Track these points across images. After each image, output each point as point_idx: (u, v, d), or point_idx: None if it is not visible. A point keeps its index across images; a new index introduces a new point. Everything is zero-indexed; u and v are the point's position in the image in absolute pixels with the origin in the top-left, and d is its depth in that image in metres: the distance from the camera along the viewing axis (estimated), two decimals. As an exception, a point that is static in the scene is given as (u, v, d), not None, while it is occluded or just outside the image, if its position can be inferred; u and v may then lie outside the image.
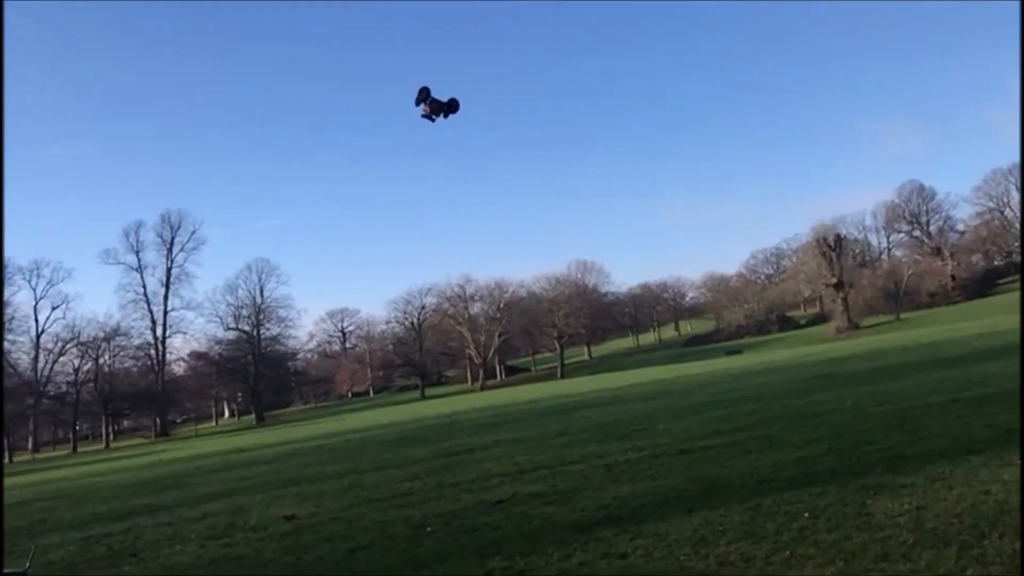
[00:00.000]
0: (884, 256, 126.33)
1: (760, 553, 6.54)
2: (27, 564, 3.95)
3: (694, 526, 7.82)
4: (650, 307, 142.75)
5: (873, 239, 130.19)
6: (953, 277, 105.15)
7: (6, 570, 3.62)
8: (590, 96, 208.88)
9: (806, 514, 7.60)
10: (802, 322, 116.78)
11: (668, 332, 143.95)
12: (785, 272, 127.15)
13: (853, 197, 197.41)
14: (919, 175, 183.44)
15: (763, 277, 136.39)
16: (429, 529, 9.64)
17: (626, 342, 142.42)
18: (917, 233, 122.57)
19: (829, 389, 21.49)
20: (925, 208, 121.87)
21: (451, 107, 10.60)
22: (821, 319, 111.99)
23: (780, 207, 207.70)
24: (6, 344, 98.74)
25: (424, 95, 10.51)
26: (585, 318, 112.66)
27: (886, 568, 5.72)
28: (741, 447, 12.87)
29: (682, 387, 34.62)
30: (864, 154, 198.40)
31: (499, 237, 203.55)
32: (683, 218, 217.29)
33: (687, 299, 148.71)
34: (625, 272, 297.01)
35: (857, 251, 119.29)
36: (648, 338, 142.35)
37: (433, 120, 10.58)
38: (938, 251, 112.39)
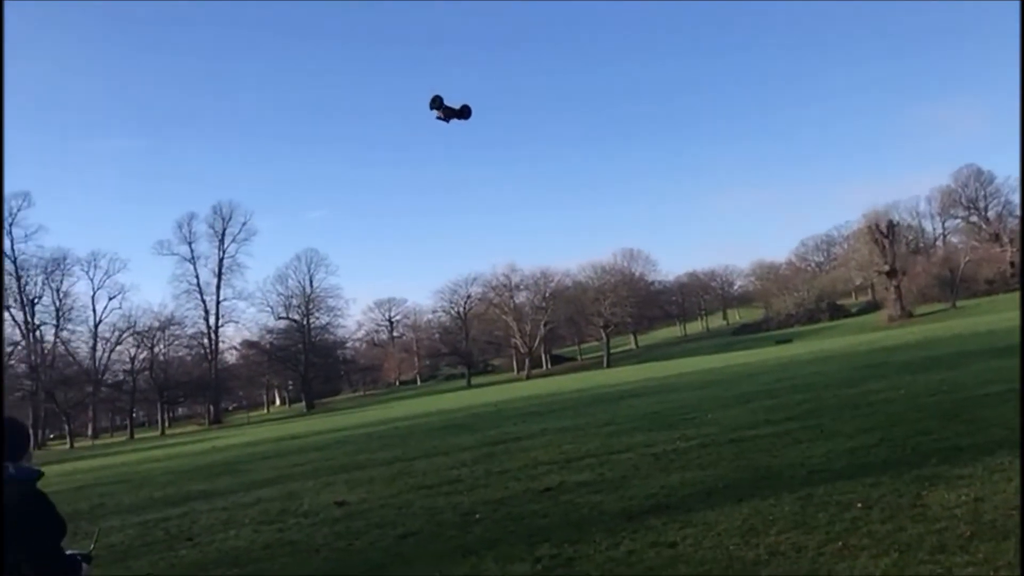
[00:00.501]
0: (939, 243, 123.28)
1: (812, 543, 6.46)
2: (92, 546, 4.06)
3: (744, 515, 7.76)
4: (698, 296, 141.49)
5: (928, 225, 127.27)
6: (1012, 264, 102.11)
7: (71, 551, 3.74)
8: (638, 81, 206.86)
9: (859, 504, 7.49)
10: (853, 310, 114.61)
11: (716, 321, 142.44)
12: (836, 260, 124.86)
13: (907, 183, 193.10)
14: (977, 159, 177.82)
15: (813, 265, 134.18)
16: (477, 516, 9.71)
17: (673, 331, 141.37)
18: (974, 219, 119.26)
19: (882, 378, 21.09)
20: (983, 193, 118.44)
21: (463, 113, 10.64)
22: (873, 307, 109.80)
23: (831, 194, 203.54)
24: (65, 333, 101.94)
25: (437, 103, 10.55)
26: (631, 307, 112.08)
27: (943, 560, 5.61)
28: (791, 436, 12.71)
29: (731, 376, 34.26)
30: (919, 138, 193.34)
31: (544, 226, 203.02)
32: (731, 206, 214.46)
33: (735, 287, 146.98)
34: (672, 260, 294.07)
35: (911, 238, 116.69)
36: (696, 327, 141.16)
37: (448, 122, 10.62)
38: (996, 237, 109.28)
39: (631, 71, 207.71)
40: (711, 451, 12.47)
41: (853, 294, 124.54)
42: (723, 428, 15.18)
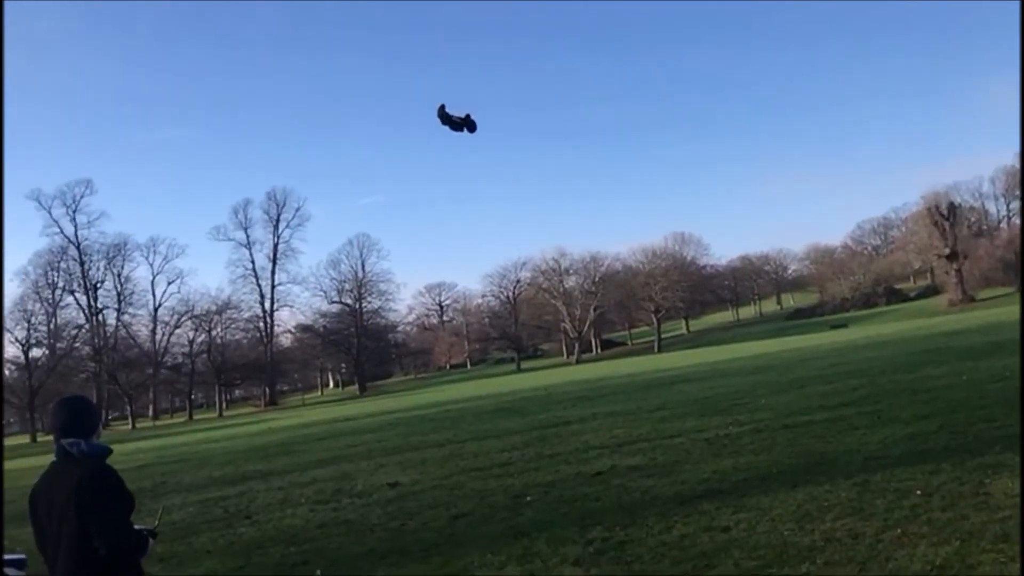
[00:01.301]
0: (1003, 225, 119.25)
1: (869, 530, 6.36)
2: (156, 522, 4.20)
3: (798, 501, 7.67)
4: (751, 280, 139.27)
5: (991, 207, 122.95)
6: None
7: (138, 526, 3.86)
8: (690, 66, 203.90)
9: (918, 492, 7.34)
10: (912, 295, 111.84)
11: (770, 306, 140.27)
12: (894, 243, 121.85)
13: (969, 163, 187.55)
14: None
15: (870, 248, 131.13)
16: (529, 499, 9.77)
17: (725, 316, 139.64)
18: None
19: (942, 364, 20.57)
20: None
21: (467, 125, 10.65)
22: (932, 292, 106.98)
23: (889, 175, 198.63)
24: (127, 317, 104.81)
25: (440, 111, 10.59)
26: (683, 291, 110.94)
27: (1006, 549, 5.47)
28: (847, 422, 12.50)
29: (784, 361, 33.80)
30: (982, 117, 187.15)
31: (594, 210, 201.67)
32: (786, 188, 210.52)
33: (789, 272, 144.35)
34: (725, 244, 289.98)
35: (973, 220, 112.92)
36: (748, 312, 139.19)
37: (458, 130, 10.64)
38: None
39: (683, 56, 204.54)
40: (764, 436, 12.34)
41: (911, 278, 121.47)
42: (776, 413, 15.00)
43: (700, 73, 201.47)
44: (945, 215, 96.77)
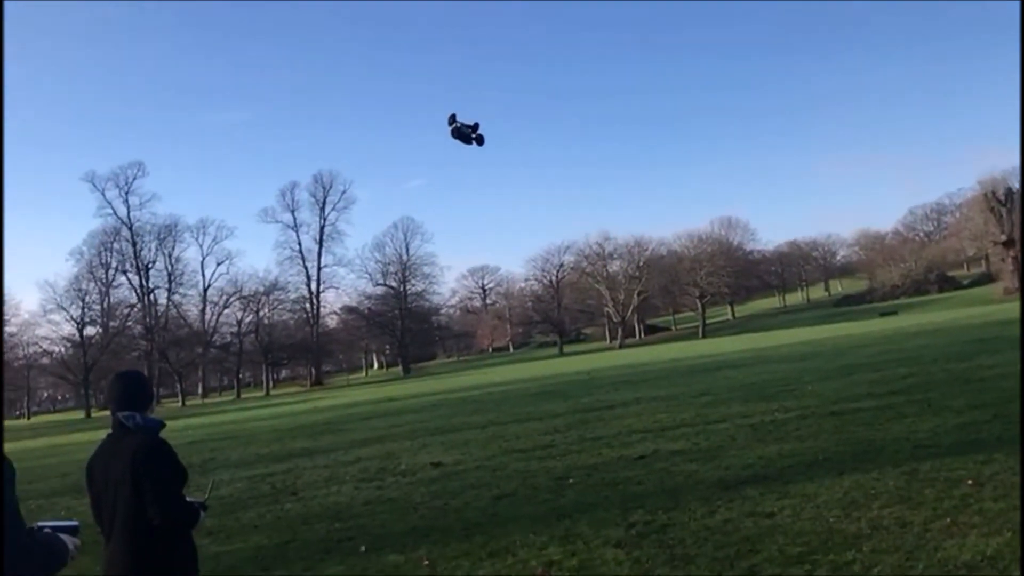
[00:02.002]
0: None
1: (917, 519, 6.26)
2: (206, 495, 4.30)
3: (845, 488, 7.58)
4: (798, 266, 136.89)
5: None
6: None
7: (189, 499, 3.96)
8: (740, 46, 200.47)
9: (969, 482, 7.19)
10: (965, 283, 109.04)
11: (817, 292, 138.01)
12: (947, 229, 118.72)
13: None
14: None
15: (922, 234, 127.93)
16: (571, 481, 9.80)
17: (772, 302, 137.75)
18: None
19: (996, 353, 20.06)
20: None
21: (476, 139, 10.63)
22: (987, 279, 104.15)
23: (943, 160, 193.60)
24: (177, 296, 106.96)
25: (451, 121, 10.58)
26: (729, 277, 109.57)
27: (1060, 541, 5.35)
28: (896, 410, 12.29)
29: (832, 348, 33.28)
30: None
31: (639, 195, 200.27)
32: (835, 173, 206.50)
33: (838, 257, 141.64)
34: (772, 229, 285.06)
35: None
36: (795, 298, 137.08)
37: (469, 143, 10.63)
38: None
39: (733, 41, 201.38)
40: (811, 423, 12.19)
41: (965, 265, 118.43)
42: (823, 400, 14.80)
43: (750, 57, 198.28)
44: (1002, 200, 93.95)
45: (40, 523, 2.69)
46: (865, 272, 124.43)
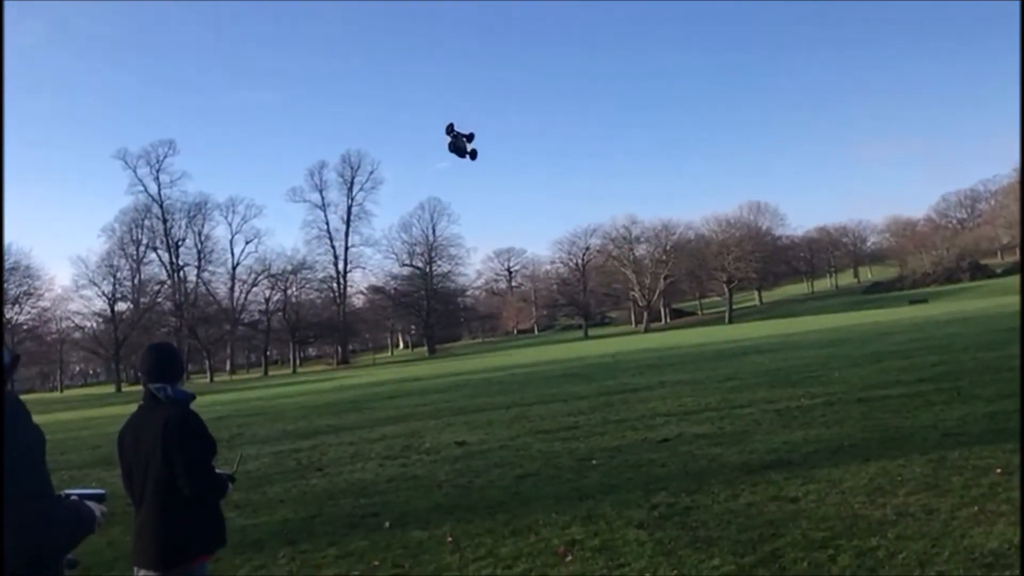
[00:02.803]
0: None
1: (944, 506, 6.21)
2: (234, 468, 4.37)
3: (870, 475, 7.52)
4: (827, 252, 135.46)
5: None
6: None
7: (218, 470, 4.03)
8: (770, 30, 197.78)
9: (998, 470, 7.11)
10: (998, 271, 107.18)
11: (846, 279, 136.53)
12: (981, 216, 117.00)
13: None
14: None
15: (955, 222, 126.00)
16: (594, 462, 9.81)
17: (800, 288, 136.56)
18: None
19: (1029, 343, 19.74)
20: None
21: (471, 153, 10.62)
22: (1021, 268, 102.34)
23: (977, 146, 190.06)
24: (206, 274, 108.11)
25: (448, 131, 10.58)
26: (757, 262, 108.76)
27: (1090, 531, 5.28)
28: (924, 398, 12.16)
29: (860, 335, 32.96)
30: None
31: (666, 178, 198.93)
32: (867, 159, 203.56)
33: (868, 244, 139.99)
34: (801, 215, 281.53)
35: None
36: (824, 284, 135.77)
37: (462, 154, 10.64)
38: None
39: (765, 23, 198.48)
40: (837, 409, 12.10)
41: (999, 254, 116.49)
42: (851, 387, 14.68)
43: (783, 43, 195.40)
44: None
45: (67, 491, 2.74)
46: (895, 259, 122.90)
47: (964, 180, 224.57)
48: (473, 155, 10.83)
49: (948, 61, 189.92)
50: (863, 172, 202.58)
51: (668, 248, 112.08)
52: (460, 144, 10.47)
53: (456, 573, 5.86)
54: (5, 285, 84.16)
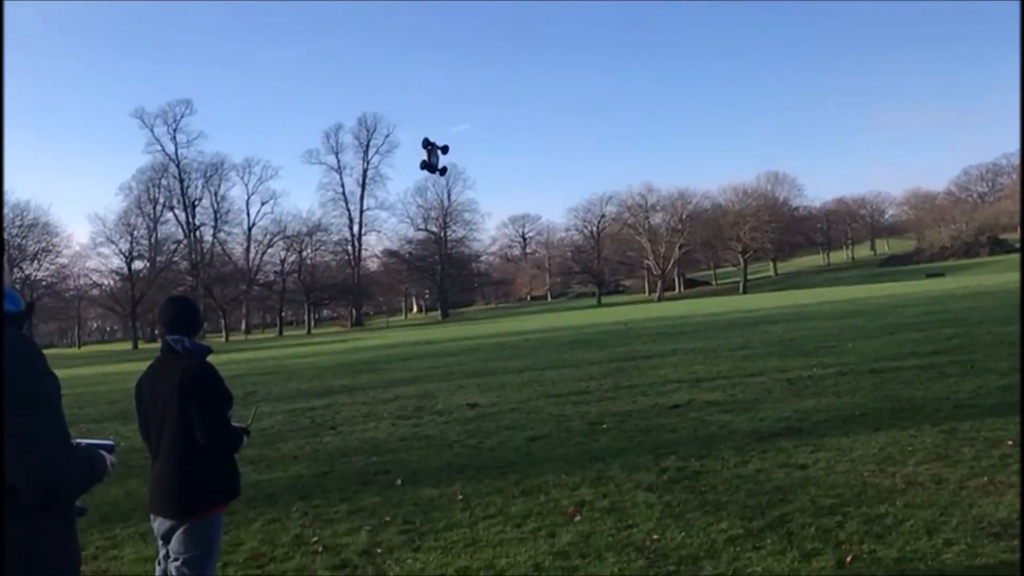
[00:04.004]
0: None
1: (954, 476, 6.22)
2: (250, 421, 4.43)
3: (880, 444, 7.54)
4: (844, 224, 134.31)
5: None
6: None
7: (234, 423, 4.08)
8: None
9: (1009, 442, 7.10)
10: (1018, 246, 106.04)
11: (863, 251, 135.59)
12: (1002, 191, 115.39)
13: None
14: None
15: (975, 195, 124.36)
16: (605, 426, 9.87)
17: (815, 259, 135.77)
18: None
19: (1046, 318, 19.60)
20: None
21: (441, 170, 10.72)
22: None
23: (1001, 118, 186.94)
24: (222, 234, 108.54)
25: (424, 144, 10.63)
26: (773, 233, 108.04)
27: (1099, 503, 5.28)
28: (938, 370, 12.13)
29: (875, 307, 32.79)
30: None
31: (684, 146, 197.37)
32: (889, 128, 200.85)
33: (886, 216, 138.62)
34: (820, 186, 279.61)
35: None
36: (840, 256, 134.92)
37: (433, 169, 10.67)
38: None
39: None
40: (849, 379, 12.09)
41: (1020, 228, 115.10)
42: (863, 358, 14.64)
43: (804, 8, 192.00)
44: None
45: (78, 440, 2.81)
46: (913, 232, 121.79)
47: (988, 153, 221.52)
48: (443, 172, 11.09)
49: (976, 28, 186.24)
50: (885, 142, 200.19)
51: (684, 217, 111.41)
52: (433, 160, 10.62)
53: (466, 530, 5.94)
54: (25, 241, 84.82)
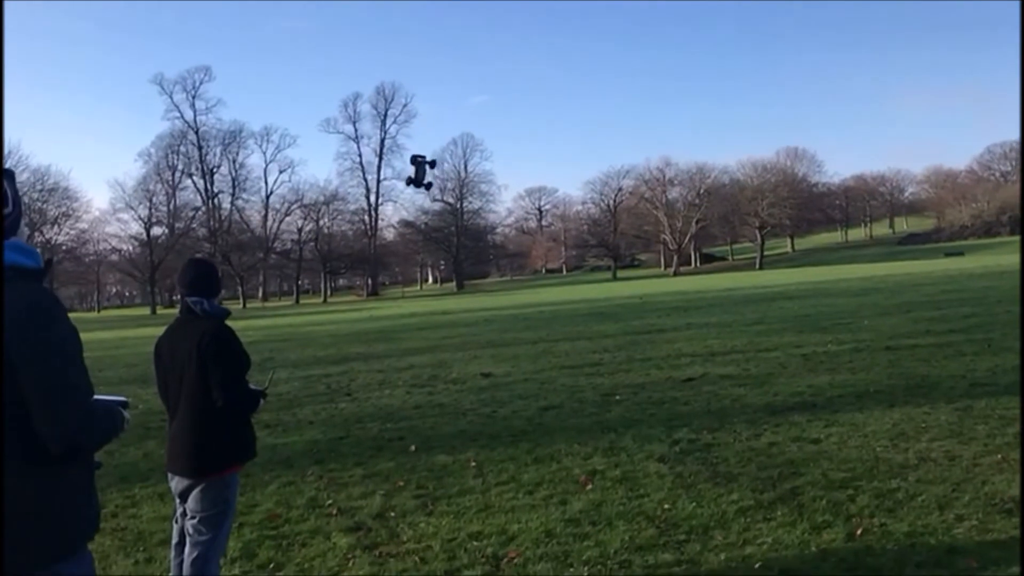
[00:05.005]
0: None
1: (967, 453, 6.22)
2: (266, 384, 4.48)
3: (894, 420, 7.53)
4: (864, 201, 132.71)
5: None
6: None
7: (251, 386, 4.13)
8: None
9: (1024, 420, 7.09)
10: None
11: (881, 229, 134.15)
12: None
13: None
14: None
15: (998, 174, 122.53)
16: (617, 397, 9.91)
17: (833, 236, 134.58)
18: None
19: (1066, 298, 19.41)
20: None
21: (425, 186, 10.80)
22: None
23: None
24: (240, 202, 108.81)
25: (412, 160, 10.67)
26: (791, 209, 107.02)
27: (1113, 483, 5.27)
28: (954, 348, 12.08)
29: (893, 285, 32.58)
30: None
31: (704, 120, 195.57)
32: (911, 105, 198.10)
33: (906, 194, 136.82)
34: (839, 162, 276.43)
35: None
36: (858, 234, 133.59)
37: (418, 183, 10.69)
38: None
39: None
40: (864, 356, 12.06)
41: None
42: (879, 335, 14.58)
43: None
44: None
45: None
46: (933, 211, 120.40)
47: (1011, 132, 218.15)
48: (428, 186, 11.23)
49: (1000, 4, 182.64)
50: (906, 119, 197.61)
51: (701, 192, 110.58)
52: (420, 176, 10.67)
53: (479, 496, 6.00)
54: (45, 206, 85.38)
